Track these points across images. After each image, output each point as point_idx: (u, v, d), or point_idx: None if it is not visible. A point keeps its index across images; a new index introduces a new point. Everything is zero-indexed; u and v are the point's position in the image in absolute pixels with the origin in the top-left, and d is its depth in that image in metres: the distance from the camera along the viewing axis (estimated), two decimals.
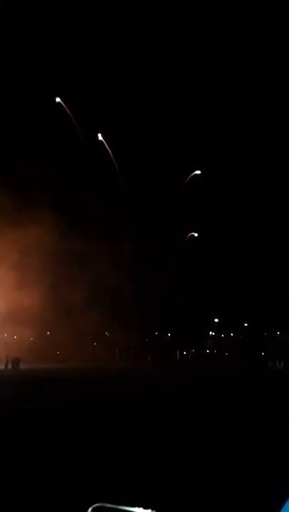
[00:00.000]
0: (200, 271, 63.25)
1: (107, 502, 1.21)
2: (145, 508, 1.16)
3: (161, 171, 60.01)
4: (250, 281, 66.66)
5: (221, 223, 63.03)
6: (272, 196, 59.71)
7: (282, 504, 1.56)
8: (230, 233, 64.13)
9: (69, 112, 53.99)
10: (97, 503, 1.22)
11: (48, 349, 61.13)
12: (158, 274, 61.52)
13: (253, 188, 61.37)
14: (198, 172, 61.29)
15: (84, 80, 56.59)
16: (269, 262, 65.00)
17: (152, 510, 1.15)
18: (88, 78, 56.83)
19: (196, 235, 65.93)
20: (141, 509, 1.15)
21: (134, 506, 1.17)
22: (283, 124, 53.92)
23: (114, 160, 58.14)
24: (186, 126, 58.48)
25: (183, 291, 62.85)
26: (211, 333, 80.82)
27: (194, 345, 73.90)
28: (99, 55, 57.52)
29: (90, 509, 1.20)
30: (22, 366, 46.45)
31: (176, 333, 72.35)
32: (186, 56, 55.63)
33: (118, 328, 59.45)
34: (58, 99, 52.80)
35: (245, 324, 78.48)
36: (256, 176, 60.48)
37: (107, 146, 57.16)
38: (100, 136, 56.40)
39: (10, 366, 45.90)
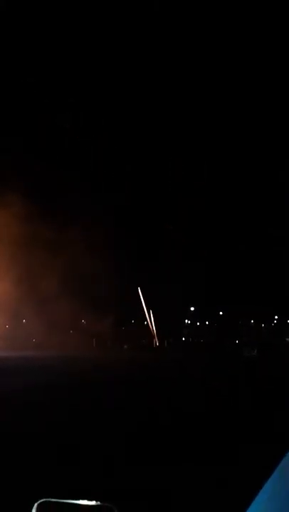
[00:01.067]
0: (177, 259, 63.77)
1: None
2: (90, 500, 1.17)
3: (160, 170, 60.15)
4: (227, 268, 67.66)
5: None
6: (272, 196, 60.48)
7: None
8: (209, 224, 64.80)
9: None
10: (42, 498, 1.22)
11: (24, 337, 60.67)
12: (136, 262, 61.67)
13: (253, 188, 62.06)
14: None
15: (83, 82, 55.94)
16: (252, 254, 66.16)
17: (96, 501, 1.17)
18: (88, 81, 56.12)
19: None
20: (85, 501, 1.16)
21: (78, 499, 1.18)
22: (283, 124, 54.26)
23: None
24: (186, 126, 58.52)
25: (160, 280, 63.22)
26: (187, 321, 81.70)
27: (171, 333, 74.55)
28: (98, 55, 56.54)
29: (35, 505, 1.19)
30: None
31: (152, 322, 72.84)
32: (186, 56, 55.28)
33: (94, 317, 59.53)
34: None
35: (220, 313, 79.68)
36: (256, 176, 60.99)
37: None
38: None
39: None
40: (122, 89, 56.81)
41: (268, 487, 1.63)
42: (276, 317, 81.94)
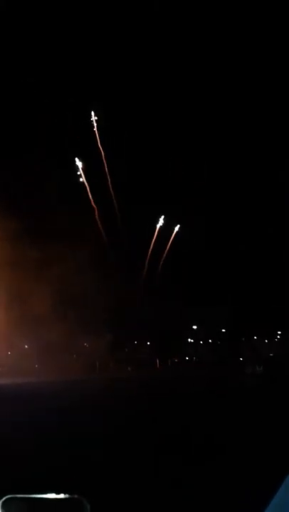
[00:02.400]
0: (177, 281, 63.69)
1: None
2: (57, 493, 1.15)
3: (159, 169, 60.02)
4: (227, 285, 67.42)
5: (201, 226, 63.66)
6: (272, 196, 60.25)
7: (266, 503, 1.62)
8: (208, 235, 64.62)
9: None
10: (8, 495, 1.19)
11: (27, 363, 60.25)
12: (134, 283, 61.72)
13: (253, 188, 61.98)
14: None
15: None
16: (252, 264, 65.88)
17: (65, 494, 1.14)
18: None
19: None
20: (53, 494, 1.14)
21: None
22: (283, 125, 54.33)
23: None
24: (187, 126, 58.69)
25: (160, 299, 63.13)
26: (190, 340, 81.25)
27: (174, 353, 74.14)
28: (98, 55, 56.88)
29: (0, 502, 1.15)
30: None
31: (155, 342, 72.44)
32: (185, 57, 55.70)
33: (96, 339, 59.29)
34: None
35: (223, 330, 79.21)
36: (256, 176, 60.95)
37: None
38: None
39: None
40: (121, 90, 57.21)
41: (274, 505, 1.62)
42: (279, 332, 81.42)
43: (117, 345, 66.86)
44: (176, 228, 65.42)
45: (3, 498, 1.15)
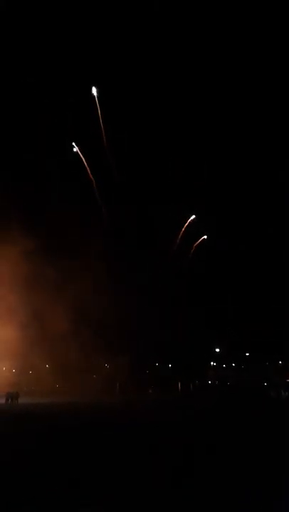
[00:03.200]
0: (199, 304, 63.07)
1: None
2: None
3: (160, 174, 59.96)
4: (251, 308, 66.34)
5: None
6: (273, 197, 59.56)
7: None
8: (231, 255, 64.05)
9: None
10: None
11: (47, 383, 60.28)
12: (157, 307, 61.24)
13: (253, 189, 61.50)
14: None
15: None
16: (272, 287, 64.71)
17: None
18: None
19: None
20: None
21: None
22: (283, 124, 54.07)
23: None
24: (187, 125, 58.76)
25: (183, 322, 62.50)
26: (212, 363, 79.88)
27: (196, 375, 72.86)
28: (97, 54, 57.46)
29: None
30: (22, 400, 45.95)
31: (177, 364, 71.51)
32: (185, 58, 56.06)
33: (117, 360, 58.93)
34: None
35: (247, 354, 77.67)
36: (256, 176, 60.49)
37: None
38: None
39: (9, 401, 45.23)
40: (120, 91, 57.56)
41: None
42: None
43: (138, 366, 66.27)
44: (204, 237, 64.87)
45: None
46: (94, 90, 51.59)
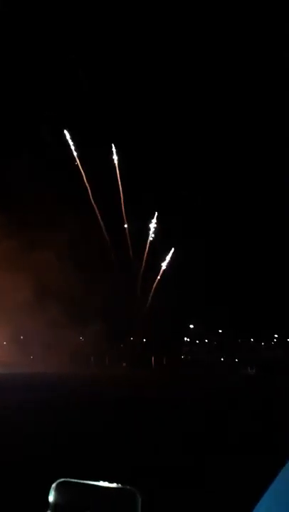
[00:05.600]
0: (177, 276, 63.86)
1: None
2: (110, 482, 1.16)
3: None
4: (227, 286, 67.43)
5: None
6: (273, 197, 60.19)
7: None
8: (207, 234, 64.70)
9: None
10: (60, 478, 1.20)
11: (22, 355, 60.42)
12: (132, 279, 61.79)
13: (253, 190, 61.97)
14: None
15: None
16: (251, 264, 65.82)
17: (117, 483, 1.15)
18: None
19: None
20: (106, 483, 1.15)
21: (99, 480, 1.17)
22: (283, 125, 54.15)
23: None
24: (187, 125, 58.60)
25: (158, 297, 63.23)
26: (186, 339, 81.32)
27: (170, 351, 74.13)
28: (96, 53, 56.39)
29: (53, 484, 1.17)
30: None
31: (151, 340, 72.52)
32: (185, 56, 55.50)
33: (91, 334, 59.37)
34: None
35: (220, 331, 79.25)
36: (256, 179, 60.89)
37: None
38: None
39: None
40: (120, 93, 57.13)
41: (269, 496, 1.57)
42: (276, 336, 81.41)
43: (113, 340, 67.03)
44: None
45: (56, 482, 1.17)
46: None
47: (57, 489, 1.16)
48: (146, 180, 59.45)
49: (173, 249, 66.30)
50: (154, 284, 65.30)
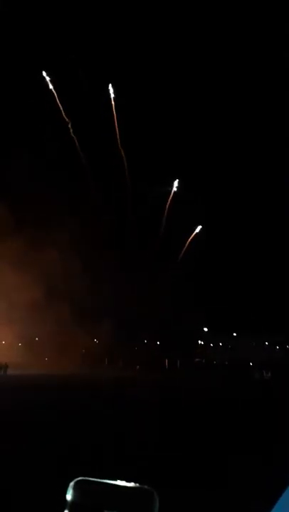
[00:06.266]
0: (190, 280, 63.68)
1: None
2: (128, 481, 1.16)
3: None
4: (241, 289, 67.12)
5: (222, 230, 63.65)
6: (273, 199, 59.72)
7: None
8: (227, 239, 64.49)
9: None
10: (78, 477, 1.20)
11: (37, 356, 60.87)
12: (148, 284, 61.75)
13: (254, 192, 61.62)
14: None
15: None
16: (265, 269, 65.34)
17: (135, 483, 1.13)
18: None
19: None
20: (124, 482, 1.13)
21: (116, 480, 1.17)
22: (283, 125, 53.81)
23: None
24: (187, 125, 58.49)
25: (172, 300, 63.09)
26: (200, 342, 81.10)
27: (183, 354, 74.00)
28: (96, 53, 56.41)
29: (72, 483, 1.14)
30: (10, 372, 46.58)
31: (165, 342, 72.49)
32: (185, 59, 55.38)
33: (107, 336, 59.55)
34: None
35: (234, 334, 78.90)
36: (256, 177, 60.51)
37: None
38: None
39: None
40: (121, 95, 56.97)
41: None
42: None
43: (127, 342, 67.10)
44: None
45: (74, 480, 1.14)
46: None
47: (75, 488, 1.15)
48: None
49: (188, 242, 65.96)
50: (168, 287, 65.12)
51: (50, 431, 12.86)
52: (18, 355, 58.26)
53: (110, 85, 55.33)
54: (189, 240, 65.83)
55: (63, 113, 55.01)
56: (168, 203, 62.04)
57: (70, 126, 55.56)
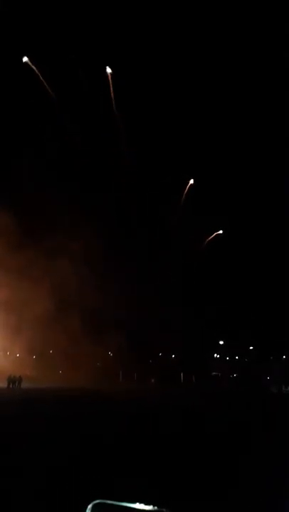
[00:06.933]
0: (205, 293, 62.84)
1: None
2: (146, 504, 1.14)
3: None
4: (257, 302, 65.93)
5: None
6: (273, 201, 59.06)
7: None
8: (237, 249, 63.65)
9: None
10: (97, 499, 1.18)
11: (51, 369, 60.40)
12: (162, 296, 61.01)
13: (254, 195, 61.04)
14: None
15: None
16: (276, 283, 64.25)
17: (153, 506, 1.13)
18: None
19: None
20: (142, 505, 1.12)
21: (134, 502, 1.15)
22: (283, 125, 53.29)
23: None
24: (187, 124, 58.34)
25: (187, 313, 62.22)
26: (215, 355, 79.80)
27: (198, 367, 72.81)
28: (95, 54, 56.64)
29: (90, 505, 1.16)
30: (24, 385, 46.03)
31: (180, 355, 71.45)
32: (185, 59, 55.35)
33: (121, 350, 58.86)
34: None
35: (251, 347, 77.43)
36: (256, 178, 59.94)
37: None
38: None
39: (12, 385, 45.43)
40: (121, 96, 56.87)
41: None
42: None
43: (142, 356, 66.27)
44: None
45: (92, 503, 1.16)
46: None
47: (93, 510, 1.16)
48: None
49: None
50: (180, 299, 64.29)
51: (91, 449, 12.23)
52: (32, 368, 57.88)
53: (110, 86, 54.84)
54: (203, 250, 65.10)
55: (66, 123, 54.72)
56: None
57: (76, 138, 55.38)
